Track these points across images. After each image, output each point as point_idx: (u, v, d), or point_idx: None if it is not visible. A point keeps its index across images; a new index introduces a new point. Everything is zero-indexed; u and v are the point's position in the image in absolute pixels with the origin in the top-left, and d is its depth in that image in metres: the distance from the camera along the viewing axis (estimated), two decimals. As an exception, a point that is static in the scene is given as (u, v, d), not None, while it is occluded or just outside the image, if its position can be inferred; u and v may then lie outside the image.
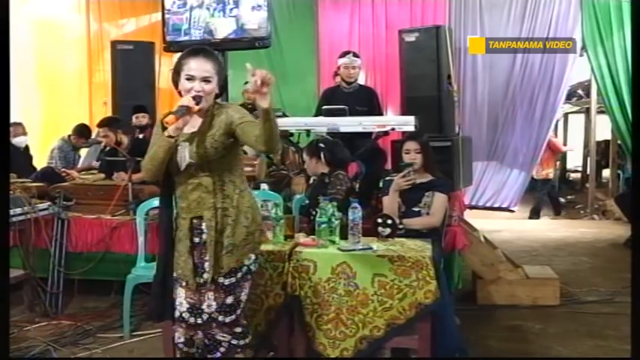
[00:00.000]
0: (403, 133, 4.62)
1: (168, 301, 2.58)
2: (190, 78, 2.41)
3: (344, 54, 5.24)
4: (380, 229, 3.24)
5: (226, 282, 2.49)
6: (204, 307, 2.51)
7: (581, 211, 8.81)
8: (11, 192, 4.08)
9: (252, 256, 2.55)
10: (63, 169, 5.38)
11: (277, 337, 3.05)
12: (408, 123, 4.45)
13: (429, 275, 2.85)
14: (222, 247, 2.48)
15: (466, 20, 7.33)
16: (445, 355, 3.28)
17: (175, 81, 2.49)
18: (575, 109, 11.63)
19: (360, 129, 4.53)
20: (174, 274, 2.55)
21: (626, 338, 3.69)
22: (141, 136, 5.62)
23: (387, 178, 3.80)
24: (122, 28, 7.92)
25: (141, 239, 3.95)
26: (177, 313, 2.55)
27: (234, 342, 2.54)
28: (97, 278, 4.34)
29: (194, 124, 2.47)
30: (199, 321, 2.52)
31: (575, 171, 13.51)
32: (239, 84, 6.56)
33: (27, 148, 6.01)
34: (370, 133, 4.77)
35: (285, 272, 2.96)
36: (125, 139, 5.07)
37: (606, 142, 10.26)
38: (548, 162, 8.65)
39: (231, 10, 4.62)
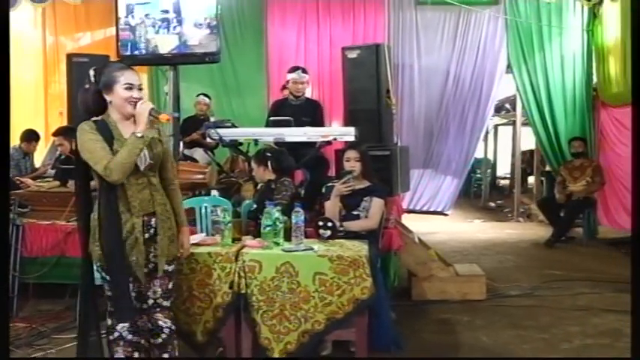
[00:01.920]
0: (346, 142, 4.71)
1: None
2: (130, 87, 2.51)
3: (293, 69, 5.29)
4: (321, 231, 3.31)
5: (170, 269, 2.67)
6: (149, 293, 2.63)
7: (509, 215, 9.10)
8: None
9: None
10: (17, 178, 5.24)
11: (225, 333, 3.07)
12: (349, 133, 4.54)
13: (365, 273, 2.93)
14: (167, 238, 2.62)
15: (403, 39, 7.56)
16: (381, 347, 3.38)
17: (102, 90, 2.53)
18: (504, 121, 12.02)
19: (304, 139, 4.59)
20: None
21: (544, 327, 3.91)
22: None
23: (329, 184, 3.87)
24: (78, 42, 7.77)
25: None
26: None
27: (173, 327, 2.68)
28: (52, 282, 4.24)
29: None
30: (145, 306, 2.63)
31: (504, 178, 13.95)
32: (191, 96, 6.56)
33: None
34: (315, 143, 4.85)
35: (232, 272, 2.99)
36: (80, 148, 4.97)
37: (531, 151, 10.61)
38: None
39: (174, 27, 4.76)
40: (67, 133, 5.08)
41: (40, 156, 6.73)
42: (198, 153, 6.13)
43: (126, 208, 2.52)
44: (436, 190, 7.90)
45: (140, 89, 2.55)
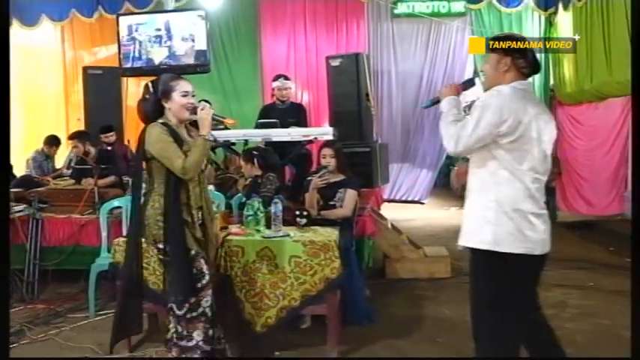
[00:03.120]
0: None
1: None
2: (185, 94, 2.57)
3: (276, 78, 5.32)
4: (298, 219, 3.33)
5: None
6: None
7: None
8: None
9: None
10: (37, 177, 5.30)
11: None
12: (327, 133, 4.56)
13: (334, 255, 2.96)
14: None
15: (381, 48, 7.56)
16: (355, 321, 3.43)
17: (161, 99, 2.57)
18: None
19: (288, 138, 4.63)
20: (193, 252, 2.54)
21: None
22: (109, 148, 5.53)
23: (309, 178, 3.91)
24: (95, 55, 7.80)
25: (104, 234, 3.94)
26: (205, 280, 2.57)
27: None
28: (69, 268, 4.29)
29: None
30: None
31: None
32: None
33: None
34: (300, 142, 4.88)
35: (218, 256, 3.02)
36: (92, 150, 5.02)
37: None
38: None
39: (165, 41, 5.03)
40: (80, 136, 5.13)
41: (62, 158, 6.77)
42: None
43: (186, 202, 2.56)
44: (413, 182, 7.92)
45: (193, 96, 2.60)
